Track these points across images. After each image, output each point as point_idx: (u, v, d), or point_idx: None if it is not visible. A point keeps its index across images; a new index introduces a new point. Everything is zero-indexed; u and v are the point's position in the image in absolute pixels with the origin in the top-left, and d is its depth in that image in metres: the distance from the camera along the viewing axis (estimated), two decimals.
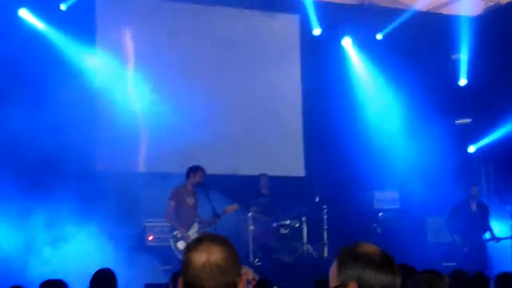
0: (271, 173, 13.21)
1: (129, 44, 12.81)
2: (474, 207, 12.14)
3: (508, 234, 12.07)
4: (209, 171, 11.78)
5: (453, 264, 12.17)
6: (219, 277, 2.63)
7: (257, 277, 7.12)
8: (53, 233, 10.80)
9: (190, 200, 11.25)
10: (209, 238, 2.71)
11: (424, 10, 14.26)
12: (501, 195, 12.03)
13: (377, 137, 14.20)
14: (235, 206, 11.42)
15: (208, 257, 2.65)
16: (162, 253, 11.52)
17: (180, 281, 2.72)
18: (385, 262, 2.75)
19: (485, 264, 11.85)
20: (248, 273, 6.70)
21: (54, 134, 10.96)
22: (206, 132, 12.71)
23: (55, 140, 10.87)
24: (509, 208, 11.95)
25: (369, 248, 2.79)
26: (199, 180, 11.18)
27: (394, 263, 2.79)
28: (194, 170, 11.24)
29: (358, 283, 2.73)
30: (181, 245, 10.86)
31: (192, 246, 2.70)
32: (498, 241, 11.88)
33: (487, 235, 12.05)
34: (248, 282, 6.73)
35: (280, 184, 13.21)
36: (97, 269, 6.66)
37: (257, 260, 12.31)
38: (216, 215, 11.05)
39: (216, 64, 13.73)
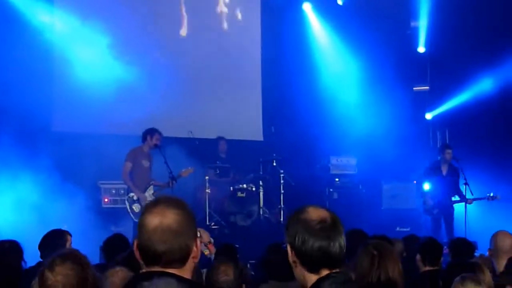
0: (229, 137, 13.24)
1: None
2: (445, 169, 12.24)
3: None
4: (167, 133, 11.71)
5: (407, 229, 12.36)
6: (171, 240, 2.66)
7: (212, 240, 7.14)
8: (5, 190, 10.66)
9: (145, 163, 11.20)
10: (164, 201, 2.73)
11: None
12: (456, 161, 12.15)
13: (335, 102, 14.24)
14: (190, 170, 11.37)
15: (161, 220, 2.66)
16: (117, 215, 11.48)
17: (135, 244, 2.73)
18: (323, 227, 2.81)
19: (450, 229, 11.99)
20: (203, 236, 6.71)
21: (6, 91, 10.78)
22: (164, 94, 12.60)
23: (8, 98, 10.70)
24: (463, 175, 12.10)
25: (314, 212, 2.87)
26: (156, 143, 11.11)
27: (336, 228, 2.84)
28: (151, 132, 11.16)
29: (294, 246, 2.82)
30: (136, 208, 10.81)
31: (147, 208, 2.72)
32: (471, 203, 11.96)
33: (456, 198, 12.16)
34: (204, 245, 6.75)
35: (238, 148, 13.24)
36: (52, 228, 6.59)
37: (213, 223, 12.33)
38: (172, 178, 11.01)
39: (176, 27, 13.64)
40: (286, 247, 2.92)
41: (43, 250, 6.02)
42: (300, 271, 2.88)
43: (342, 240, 2.83)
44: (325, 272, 2.82)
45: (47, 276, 2.88)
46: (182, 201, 2.76)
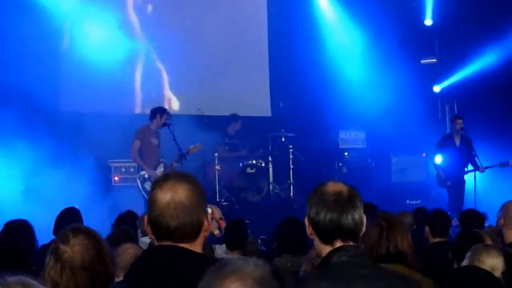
0: (238, 113, 13.15)
1: None
2: (458, 141, 12.23)
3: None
4: (175, 111, 11.73)
5: (417, 202, 12.38)
6: (183, 215, 2.66)
7: (223, 217, 7.19)
8: (14, 171, 10.70)
9: (154, 141, 11.28)
10: (174, 176, 2.73)
11: None
12: (465, 132, 12.15)
13: (342, 76, 14.15)
14: (198, 146, 11.40)
15: (172, 195, 2.66)
16: (128, 193, 11.52)
17: (146, 219, 2.74)
18: (336, 200, 2.89)
19: (461, 201, 12.00)
20: (215, 212, 6.77)
21: (13, 71, 10.78)
22: (172, 72, 12.59)
23: (15, 78, 10.70)
24: (472, 145, 12.09)
25: (332, 186, 2.95)
26: (165, 122, 11.17)
27: (351, 202, 2.90)
28: (161, 112, 11.25)
29: (310, 217, 2.93)
30: (148, 186, 10.84)
31: (157, 184, 2.72)
32: (483, 171, 11.97)
33: (470, 167, 12.17)
34: (216, 221, 6.80)
35: (246, 124, 13.21)
36: (62, 208, 6.65)
37: (223, 199, 12.39)
38: (182, 155, 11.06)
39: (184, 5, 13.59)
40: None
41: (58, 228, 6.04)
42: (316, 242, 2.96)
43: (357, 214, 2.88)
44: (338, 244, 2.88)
45: (63, 250, 2.89)
46: (192, 176, 2.78)
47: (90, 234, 2.97)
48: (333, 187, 2.93)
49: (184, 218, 2.65)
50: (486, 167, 11.87)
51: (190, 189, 2.69)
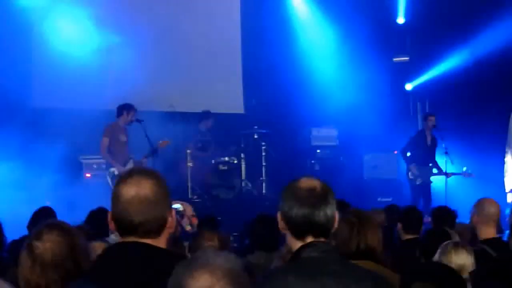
0: (210, 110, 13.12)
1: None
2: (429, 138, 12.34)
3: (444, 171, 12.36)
4: (146, 107, 11.69)
5: (389, 199, 12.46)
6: (148, 210, 2.66)
7: (195, 214, 7.18)
8: None
9: (123, 137, 11.28)
10: (139, 172, 2.73)
11: None
12: (436, 129, 12.27)
13: (315, 73, 14.19)
14: (167, 141, 11.38)
15: (137, 190, 2.66)
16: (99, 190, 11.43)
17: (110, 215, 2.73)
18: (309, 195, 2.90)
19: (429, 199, 12.14)
20: (187, 209, 6.75)
21: None
22: (145, 68, 12.52)
23: None
24: (444, 145, 12.22)
25: (305, 181, 2.95)
26: (132, 119, 11.19)
27: (324, 198, 2.92)
28: (127, 108, 11.24)
29: (283, 213, 2.93)
30: None
31: (122, 179, 2.72)
32: (449, 176, 12.15)
33: (434, 170, 12.31)
34: (188, 218, 6.79)
35: (219, 121, 13.18)
36: (33, 206, 6.60)
37: (195, 196, 12.38)
38: (153, 151, 11.07)
39: (157, 1, 13.57)
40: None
41: (32, 228, 5.98)
42: (289, 238, 2.97)
43: (329, 210, 2.89)
44: (310, 239, 2.89)
45: (35, 245, 2.87)
46: (157, 172, 2.77)
47: (65, 230, 2.95)
48: (306, 182, 2.94)
49: (148, 213, 2.65)
50: (452, 174, 12.08)
51: (155, 184, 2.68)
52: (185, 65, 13.41)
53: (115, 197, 2.70)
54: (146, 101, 11.59)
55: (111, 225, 2.73)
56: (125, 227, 2.67)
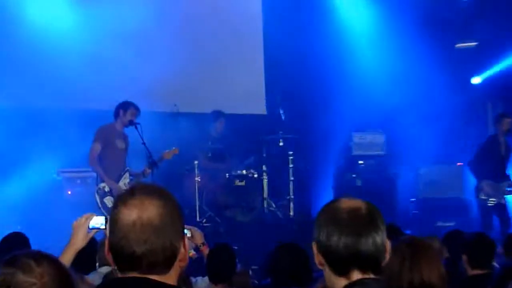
0: (223, 110, 13.16)
1: None
2: (503, 146, 12.19)
3: None
4: (145, 107, 11.73)
5: (452, 224, 12.38)
6: (153, 239, 2.64)
7: (205, 242, 7.19)
8: None
9: (120, 143, 11.21)
10: (142, 190, 2.72)
11: None
12: None
13: (356, 67, 14.20)
14: (174, 151, 11.38)
15: (139, 213, 2.65)
16: (85, 211, 11.48)
17: (106, 244, 2.74)
18: (353, 219, 2.88)
19: (506, 223, 12.03)
20: (195, 236, 6.75)
21: None
22: (143, 61, 12.61)
23: None
24: None
25: (346, 201, 2.94)
26: (131, 119, 11.11)
27: (372, 221, 2.90)
28: (125, 106, 11.17)
29: (319, 242, 2.92)
30: (109, 201, 10.82)
31: (121, 200, 2.71)
32: None
33: (508, 186, 12.20)
34: (197, 247, 6.79)
35: (235, 124, 13.21)
36: (5, 229, 6.65)
37: (205, 220, 12.38)
38: (152, 163, 11.07)
39: None
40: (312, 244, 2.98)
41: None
42: (327, 274, 2.94)
43: (379, 237, 2.87)
44: (356, 276, 2.87)
45: (25, 281, 2.80)
46: (165, 190, 2.77)
47: (53, 261, 2.95)
48: (348, 203, 2.92)
49: (153, 242, 2.64)
50: None
51: (162, 206, 2.68)
52: (193, 56, 13.44)
53: (113, 221, 2.69)
54: (145, 101, 11.63)
55: (108, 257, 2.73)
56: (125, 259, 2.67)
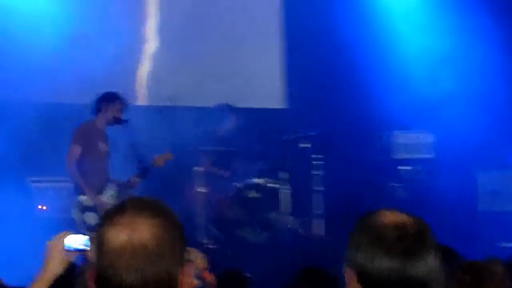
0: (232, 103, 13.23)
1: None
2: None
3: None
4: (134, 101, 11.77)
5: None
6: (146, 266, 2.66)
7: (209, 267, 7.16)
8: None
9: (102, 146, 11.23)
10: (134, 206, 2.75)
11: None
12: None
13: (397, 51, 14.30)
14: (167, 156, 11.38)
15: (130, 235, 2.66)
16: (59, 230, 11.49)
17: (89, 274, 2.77)
18: (399, 238, 2.86)
19: None
20: (197, 260, 6.72)
21: None
22: (134, 47, 12.74)
23: None
24: None
25: (388, 216, 2.93)
26: (116, 115, 11.12)
27: (421, 241, 2.88)
28: (109, 99, 11.16)
29: (356, 265, 2.90)
30: (90, 218, 10.85)
31: (107, 217, 2.74)
32: None
33: None
34: (197, 275, 6.76)
35: (246, 120, 13.24)
36: None
37: (210, 240, 12.43)
38: (143, 170, 11.09)
39: None
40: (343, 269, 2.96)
41: None
42: None
43: (430, 261, 2.86)
44: None
45: None
46: (161, 204, 2.79)
47: None
48: (391, 218, 2.91)
49: (147, 270, 2.65)
50: None
51: (158, 225, 2.69)
52: (193, 38, 13.60)
53: (98, 245, 2.71)
54: (133, 93, 11.67)
55: (92, 287, 2.74)
56: None
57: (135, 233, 2.64)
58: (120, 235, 2.65)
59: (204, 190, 12.48)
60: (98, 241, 2.70)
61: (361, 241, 2.89)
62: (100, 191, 11.14)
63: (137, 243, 2.64)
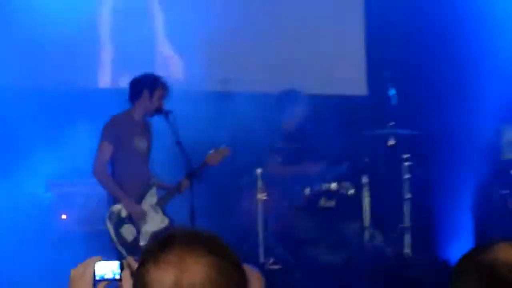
0: (304, 89, 13.27)
1: None
2: None
3: None
4: (180, 85, 11.77)
5: None
6: None
7: None
8: None
9: (140, 142, 11.29)
10: (184, 240, 2.79)
11: None
12: None
13: (502, 27, 14.17)
14: (224, 151, 11.38)
15: (178, 275, 2.69)
16: (89, 248, 11.47)
17: None
18: None
19: None
20: (254, 284, 6.65)
21: None
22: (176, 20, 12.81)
23: None
24: None
25: (504, 252, 2.96)
26: (158, 105, 11.10)
27: None
28: (151, 84, 11.17)
29: None
30: (127, 232, 10.96)
31: (151, 254, 2.78)
32: None
33: None
34: None
35: (319, 111, 13.22)
36: None
37: (272, 260, 12.38)
38: (193, 172, 11.04)
39: None
40: None
41: None
42: None
43: None
44: None
45: None
46: (217, 239, 2.83)
47: None
48: (509, 254, 2.92)
49: None
50: None
51: (212, 265, 2.73)
52: (254, 14, 13.67)
53: (139, 286, 2.75)
54: (178, 74, 11.69)
55: None
56: None
57: (184, 274, 2.69)
58: (166, 276, 2.69)
59: (266, 197, 12.42)
60: (140, 283, 2.74)
61: (466, 283, 2.94)
62: (139, 198, 11.14)
63: (186, 286, 2.66)
